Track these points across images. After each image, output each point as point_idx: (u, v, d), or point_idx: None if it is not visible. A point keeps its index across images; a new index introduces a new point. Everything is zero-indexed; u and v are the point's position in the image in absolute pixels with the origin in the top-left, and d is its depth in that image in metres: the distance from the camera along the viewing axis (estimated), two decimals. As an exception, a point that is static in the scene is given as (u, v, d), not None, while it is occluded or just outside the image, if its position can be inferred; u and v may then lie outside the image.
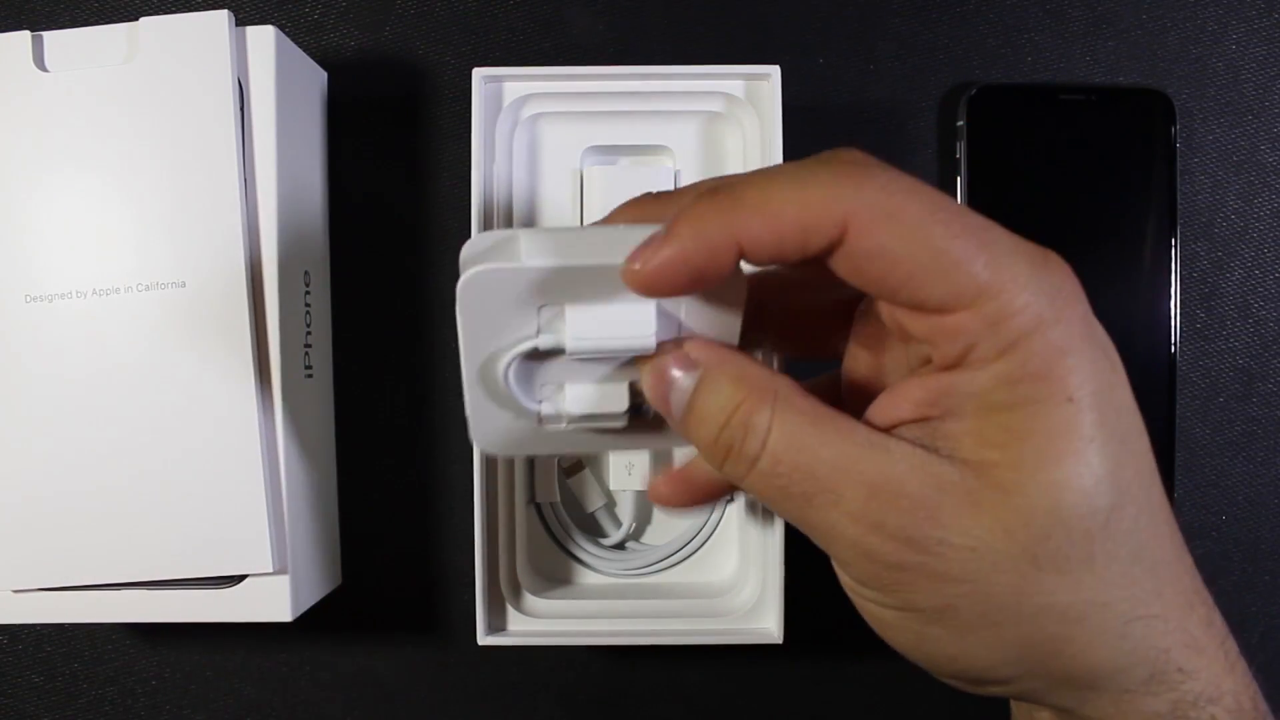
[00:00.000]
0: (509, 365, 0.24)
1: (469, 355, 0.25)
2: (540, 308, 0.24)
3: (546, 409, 0.26)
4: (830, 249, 0.21)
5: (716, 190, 0.21)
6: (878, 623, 0.23)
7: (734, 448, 0.22)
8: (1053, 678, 0.22)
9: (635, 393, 0.26)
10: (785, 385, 0.23)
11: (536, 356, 0.25)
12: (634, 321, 0.23)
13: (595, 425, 0.26)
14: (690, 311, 0.24)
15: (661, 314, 0.24)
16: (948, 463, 0.21)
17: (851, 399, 0.26)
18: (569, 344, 0.24)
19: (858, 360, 0.26)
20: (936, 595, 0.21)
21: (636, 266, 0.21)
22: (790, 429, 0.22)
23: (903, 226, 0.20)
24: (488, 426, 0.26)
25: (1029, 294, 0.20)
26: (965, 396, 0.21)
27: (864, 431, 0.22)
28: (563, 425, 0.26)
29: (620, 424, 0.26)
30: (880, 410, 0.23)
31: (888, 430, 0.22)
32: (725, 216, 0.21)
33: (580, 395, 0.25)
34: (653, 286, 0.22)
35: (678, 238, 0.21)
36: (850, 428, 0.22)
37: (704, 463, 0.25)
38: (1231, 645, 0.22)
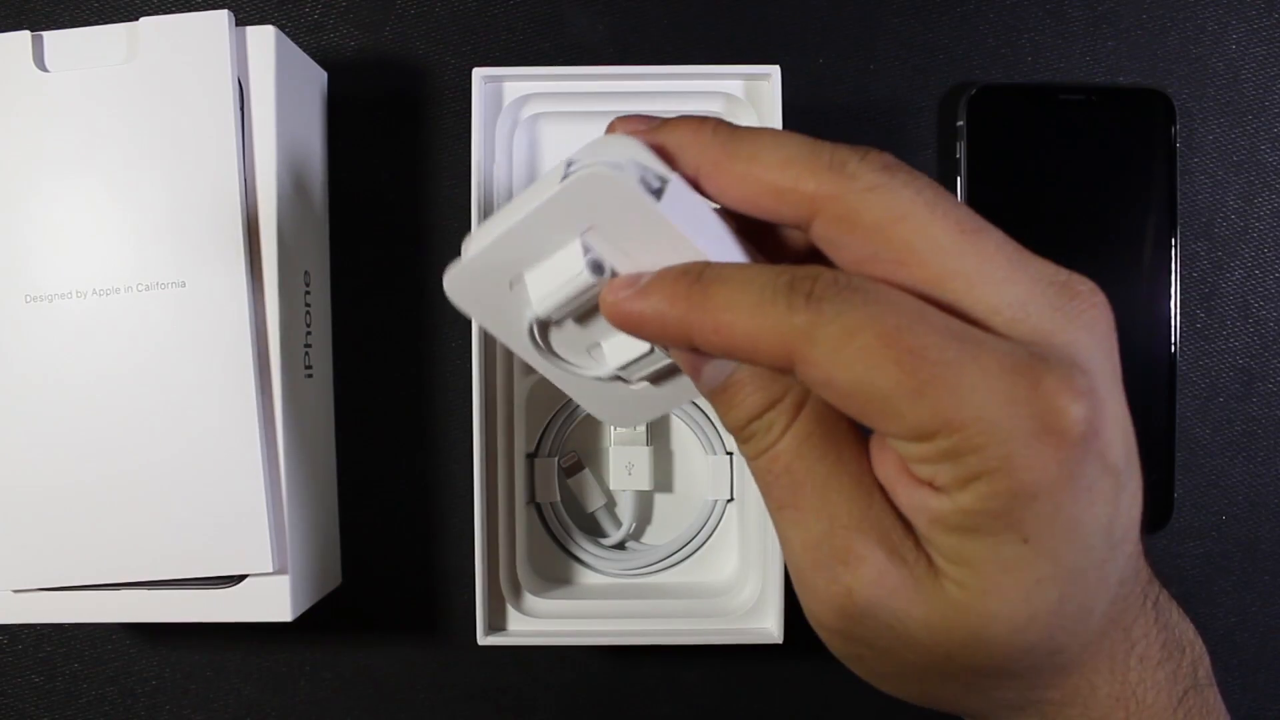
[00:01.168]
0: (536, 346, 0.25)
1: (515, 350, 0.25)
2: (512, 285, 0.24)
3: (604, 371, 0.26)
4: (784, 369, 0.21)
5: (691, 276, 0.21)
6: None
7: (755, 436, 0.23)
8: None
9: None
10: (807, 408, 0.23)
11: (561, 324, 0.25)
12: (568, 264, 0.23)
13: (647, 371, 0.26)
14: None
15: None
16: (908, 542, 0.22)
17: None
18: (538, 309, 0.24)
19: None
20: (853, 645, 0.23)
21: (610, 299, 0.22)
22: (796, 445, 0.22)
23: (850, 364, 0.19)
24: (598, 403, 0.27)
25: (993, 434, 0.19)
26: (925, 511, 0.21)
27: (855, 481, 0.22)
28: (630, 382, 0.26)
29: (661, 360, 0.25)
30: (884, 459, 0.23)
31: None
32: (687, 310, 0.21)
33: (612, 348, 0.25)
34: (617, 321, 0.23)
35: (644, 301, 0.22)
36: (843, 469, 0.22)
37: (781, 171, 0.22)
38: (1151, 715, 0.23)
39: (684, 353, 0.23)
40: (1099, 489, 0.20)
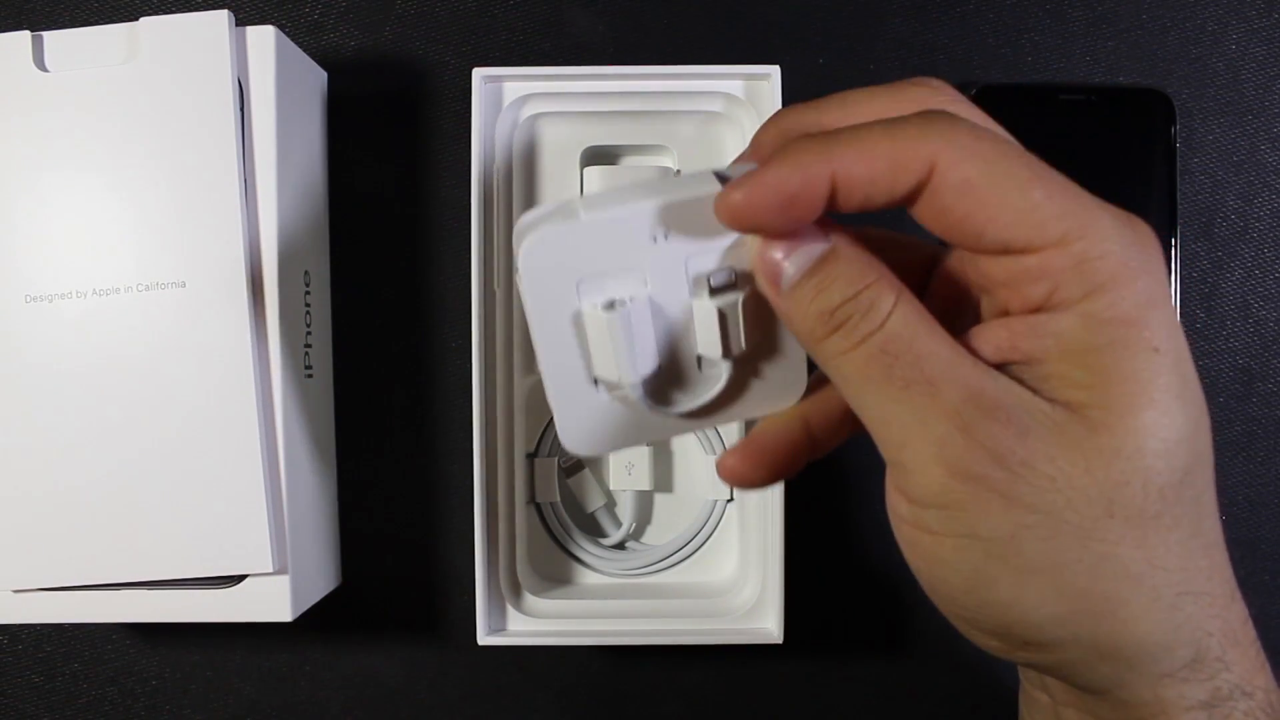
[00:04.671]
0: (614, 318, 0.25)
1: (542, 333, 0.25)
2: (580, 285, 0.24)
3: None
4: (918, 188, 0.22)
5: (814, 135, 0.23)
6: (930, 559, 0.23)
7: (852, 319, 0.22)
8: (1098, 646, 0.21)
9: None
10: (905, 287, 0.23)
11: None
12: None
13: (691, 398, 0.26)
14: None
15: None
16: (1039, 397, 0.21)
17: None
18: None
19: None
20: (1005, 521, 0.21)
21: (735, 195, 0.22)
22: (911, 318, 0.22)
23: (990, 164, 0.21)
24: (577, 424, 0.26)
25: (1115, 242, 0.21)
26: (1049, 338, 0.21)
27: (966, 353, 0.22)
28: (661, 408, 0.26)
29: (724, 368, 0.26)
30: (990, 327, 0.23)
31: None
32: (822, 148, 0.22)
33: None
34: (745, 213, 0.22)
35: (775, 166, 0.22)
36: (957, 343, 0.22)
37: (776, 430, 0.25)
38: (1260, 649, 0.22)
39: (768, 251, 0.23)
40: (1182, 334, 0.21)
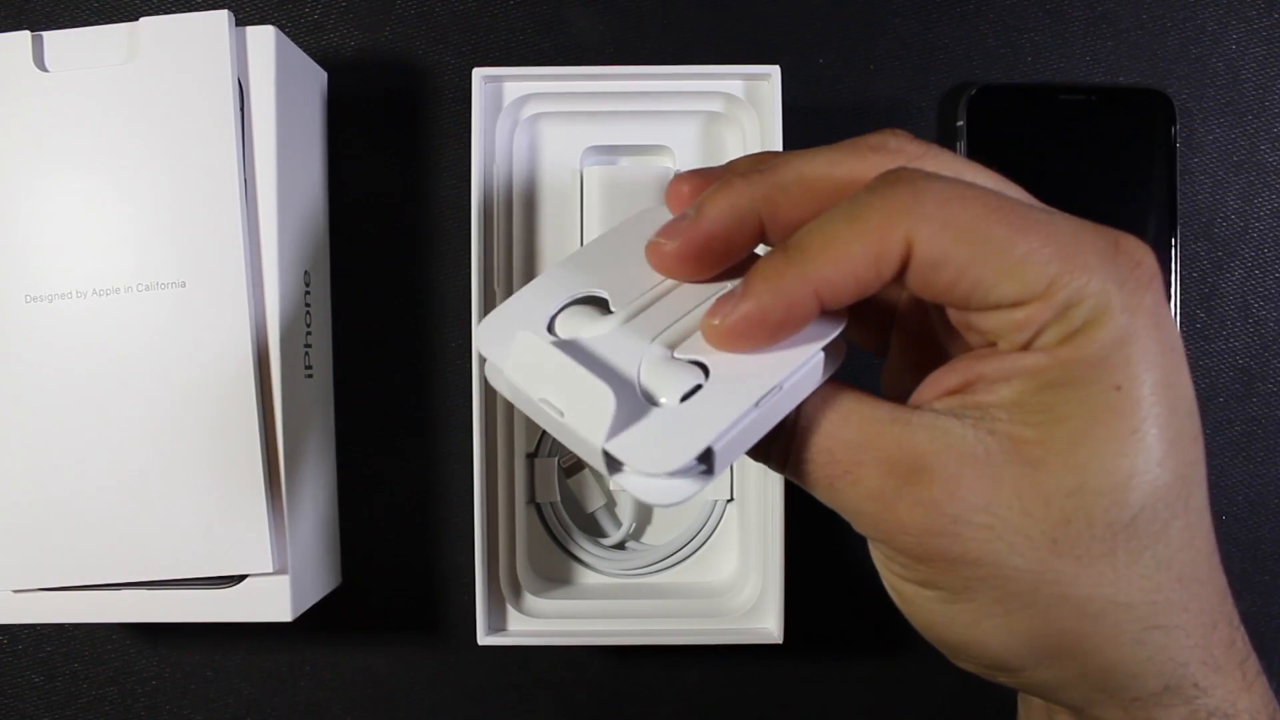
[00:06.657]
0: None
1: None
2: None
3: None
4: (901, 270, 0.21)
5: (782, 247, 0.22)
6: (899, 597, 0.23)
7: (770, 448, 0.23)
8: (1065, 673, 0.21)
9: None
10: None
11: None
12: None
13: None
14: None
15: None
16: (973, 431, 0.21)
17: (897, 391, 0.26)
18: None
19: (906, 356, 0.26)
20: (955, 578, 0.21)
21: (715, 322, 0.22)
22: (807, 418, 0.22)
23: (964, 231, 0.20)
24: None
25: (1098, 281, 0.20)
26: (1017, 370, 0.21)
27: (886, 408, 0.22)
28: None
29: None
30: (929, 384, 0.23)
31: (931, 400, 0.22)
32: (798, 270, 0.21)
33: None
34: (733, 342, 0.22)
35: (755, 295, 0.21)
36: (869, 406, 0.22)
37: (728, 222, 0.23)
38: (1252, 665, 0.22)
39: None
40: (1176, 343, 0.21)
